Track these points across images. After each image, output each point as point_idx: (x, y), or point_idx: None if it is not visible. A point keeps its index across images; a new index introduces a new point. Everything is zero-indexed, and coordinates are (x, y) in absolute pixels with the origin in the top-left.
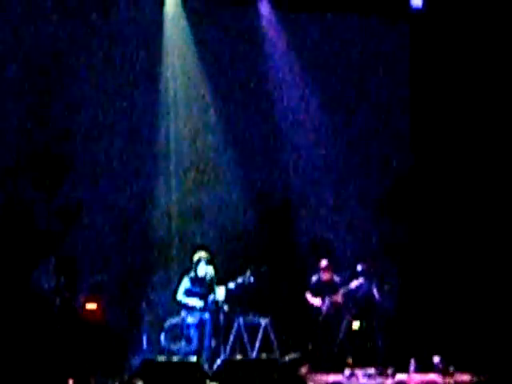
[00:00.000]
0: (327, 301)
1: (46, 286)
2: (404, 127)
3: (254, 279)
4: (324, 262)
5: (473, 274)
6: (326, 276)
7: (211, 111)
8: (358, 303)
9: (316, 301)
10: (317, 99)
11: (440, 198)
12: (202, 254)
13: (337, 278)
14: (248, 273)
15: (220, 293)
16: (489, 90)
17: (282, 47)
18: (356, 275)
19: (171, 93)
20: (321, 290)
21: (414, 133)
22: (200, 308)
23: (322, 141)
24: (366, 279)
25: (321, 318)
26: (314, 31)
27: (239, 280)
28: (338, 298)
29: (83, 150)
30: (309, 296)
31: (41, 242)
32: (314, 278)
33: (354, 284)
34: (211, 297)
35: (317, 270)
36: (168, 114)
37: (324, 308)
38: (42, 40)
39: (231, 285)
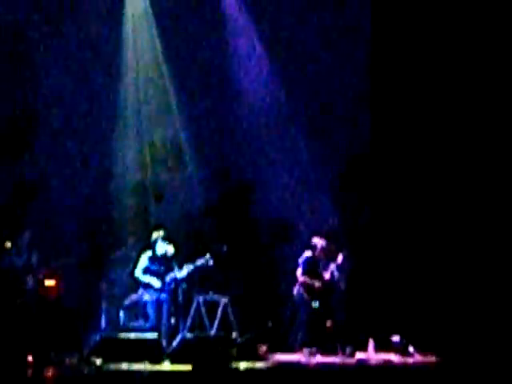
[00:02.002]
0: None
1: (17, 262)
2: (363, 104)
3: (214, 262)
4: (319, 239)
5: (433, 252)
6: (319, 253)
7: (171, 90)
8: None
9: (316, 282)
10: (276, 78)
11: (399, 175)
12: (159, 233)
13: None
14: (208, 256)
15: (181, 272)
16: (452, 66)
17: (241, 23)
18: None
19: (131, 71)
20: (313, 268)
21: (374, 110)
22: (157, 287)
23: (281, 119)
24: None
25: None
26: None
27: (198, 262)
28: (328, 275)
29: (43, 126)
30: (306, 278)
31: (8, 219)
32: (306, 257)
33: (339, 259)
34: (169, 275)
35: (305, 248)
36: (128, 92)
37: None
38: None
39: (190, 266)
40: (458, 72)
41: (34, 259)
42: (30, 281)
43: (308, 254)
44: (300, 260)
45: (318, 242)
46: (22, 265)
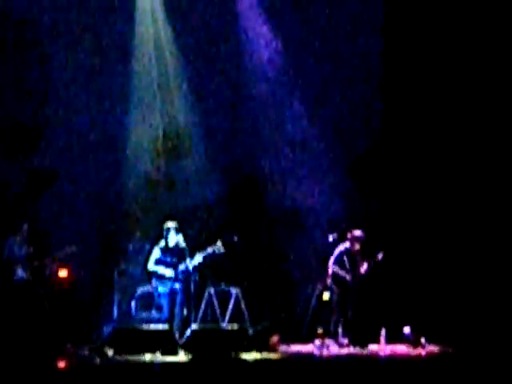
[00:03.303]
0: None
1: (18, 253)
2: (375, 97)
3: (225, 249)
4: (358, 232)
5: (445, 244)
6: (356, 246)
7: (183, 80)
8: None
9: (347, 275)
10: (288, 68)
11: (409, 167)
12: (171, 224)
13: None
14: (219, 243)
15: (193, 261)
16: (464, 53)
17: (252, 6)
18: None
19: (142, 62)
20: (346, 260)
21: (386, 102)
22: (170, 278)
23: (292, 111)
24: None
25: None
26: None
27: (210, 250)
28: (364, 268)
29: (55, 118)
30: (336, 268)
31: (13, 211)
32: (341, 249)
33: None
34: (181, 266)
35: (340, 240)
36: (139, 83)
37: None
38: (13, 6)
39: (202, 254)
40: (470, 63)
41: (31, 253)
42: (21, 271)
43: (344, 246)
44: (335, 251)
45: (356, 235)
46: (22, 257)
